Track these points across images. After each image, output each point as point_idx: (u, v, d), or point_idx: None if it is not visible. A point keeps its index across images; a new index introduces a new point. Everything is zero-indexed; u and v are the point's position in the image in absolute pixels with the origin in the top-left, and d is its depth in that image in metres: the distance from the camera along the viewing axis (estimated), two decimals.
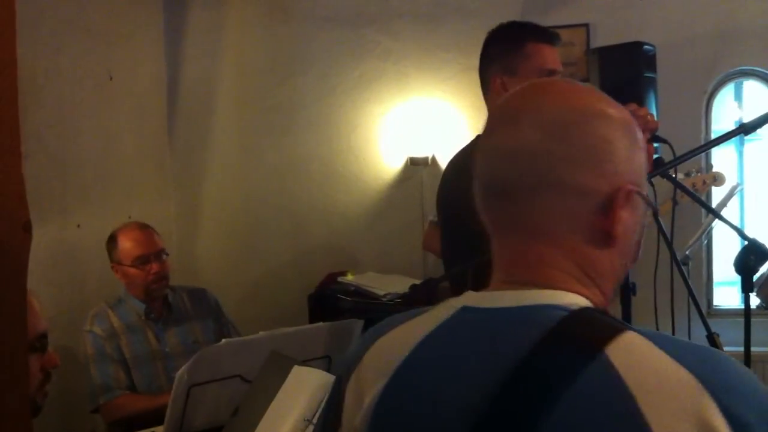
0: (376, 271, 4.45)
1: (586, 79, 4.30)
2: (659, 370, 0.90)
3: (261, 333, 2.35)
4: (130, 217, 3.99)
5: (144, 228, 3.28)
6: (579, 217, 1.00)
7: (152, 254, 3.20)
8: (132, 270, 3.17)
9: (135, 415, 2.95)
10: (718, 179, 4.01)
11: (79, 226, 3.73)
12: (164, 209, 4.38)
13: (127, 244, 3.20)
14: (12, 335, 1.32)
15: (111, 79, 4.00)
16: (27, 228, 1.31)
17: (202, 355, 2.22)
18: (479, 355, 0.98)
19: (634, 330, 0.95)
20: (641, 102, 2.35)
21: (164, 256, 3.25)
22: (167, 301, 3.28)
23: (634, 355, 0.92)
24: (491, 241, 1.07)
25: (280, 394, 1.98)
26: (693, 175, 3.94)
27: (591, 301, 1.01)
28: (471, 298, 1.05)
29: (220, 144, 4.88)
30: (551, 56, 2.35)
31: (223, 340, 2.30)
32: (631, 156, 1.02)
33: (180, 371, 2.17)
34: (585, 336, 0.94)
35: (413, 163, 4.61)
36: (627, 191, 1.00)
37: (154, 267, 3.18)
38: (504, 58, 2.35)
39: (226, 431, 2.14)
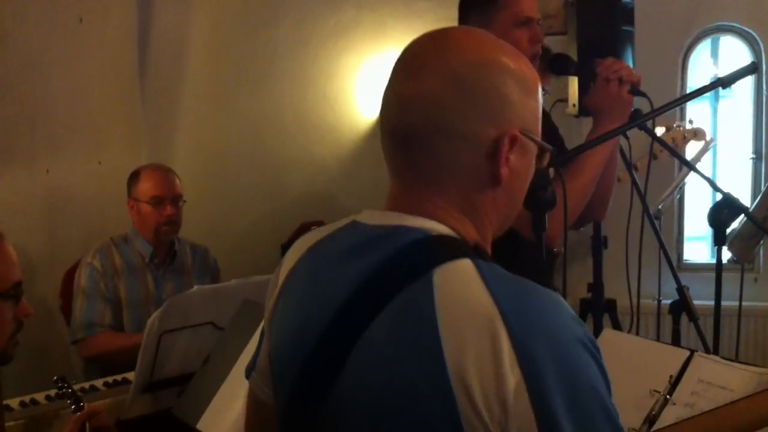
0: None
1: (563, 32, 4.27)
2: (468, 297, 0.97)
3: (233, 281, 2.35)
4: (100, 164, 3.93)
5: (167, 171, 3.35)
6: (466, 161, 1.06)
7: (169, 197, 3.25)
8: (146, 207, 3.23)
9: (113, 351, 3.00)
10: (698, 134, 4.02)
11: (48, 171, 3.68)
12: (136, 157, 4.29)
13: (147, 183, 3.26)
14: None
15: (81, 21, 3.90)
16: None
17: (174, 302, 2.20)
18: (344, 266, 1.08)
19: (477, 260, 1.00)
20: (618, 56, 2.34)
21: (180, 203, 3.30)
22: (173, 249, 3.33)
23: (455, 280, 0.99)
24: (389, 182, 1.15)
25: (251, 342, 1.97)
26: (673, 130, 3.95)
27: (460, 234, 1.07)
28: (363, 215, 1.16)
29: (192, 93, 4.80)
30: (527, 3, 2.31)
31: (195, 287, 2.29)
32: (522, 104, 1.08)
33: (151, 318, 2.15)
34: (423, 257, 1.02)
35: None
36: (512, 136, 1.06)
37: (168, 210, 3.24)
38: (478, 12, 2.30)
39: (198, 378, 2.13)
